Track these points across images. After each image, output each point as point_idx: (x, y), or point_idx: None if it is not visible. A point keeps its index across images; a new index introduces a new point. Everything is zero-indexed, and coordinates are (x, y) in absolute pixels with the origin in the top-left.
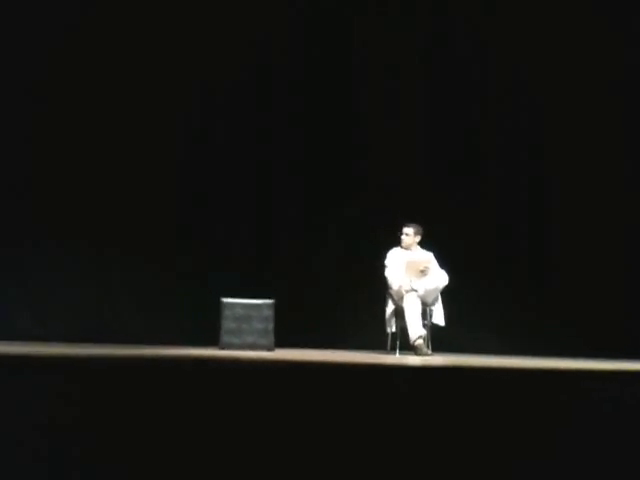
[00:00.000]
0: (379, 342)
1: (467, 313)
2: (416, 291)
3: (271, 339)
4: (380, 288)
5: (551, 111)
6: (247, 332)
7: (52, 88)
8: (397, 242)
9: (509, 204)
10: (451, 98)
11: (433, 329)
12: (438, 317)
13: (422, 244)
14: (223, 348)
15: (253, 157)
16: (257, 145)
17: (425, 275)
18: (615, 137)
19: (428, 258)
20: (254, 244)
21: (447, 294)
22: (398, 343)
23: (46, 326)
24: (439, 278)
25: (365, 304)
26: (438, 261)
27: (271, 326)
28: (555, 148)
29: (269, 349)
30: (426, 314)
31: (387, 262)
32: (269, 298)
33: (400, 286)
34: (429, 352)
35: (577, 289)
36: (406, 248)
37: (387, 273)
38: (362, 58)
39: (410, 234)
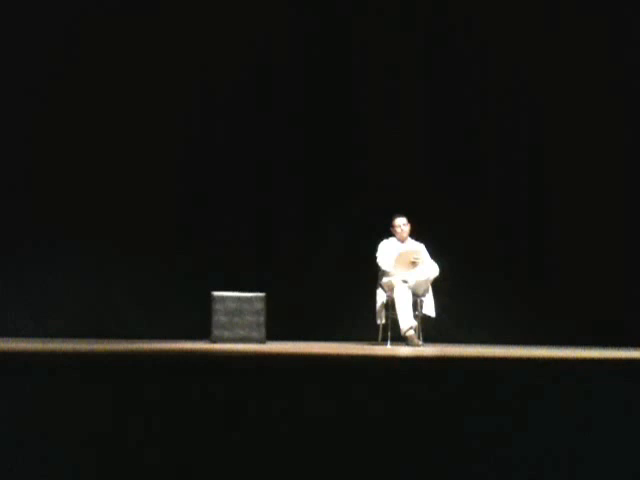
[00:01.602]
0: (370, 334)
1: (467, 312)
2: (407, 282)
3: (263, 332)
4: (372, 280)
5: (551, 111)
6: (239, 325)
7: (52, 88)
8: (390, 234)
9: (509, 204)
10: (451, 98)
11: (424, 320)
12: (429, 308)
13: (419, 239)
14: (214, 342)
15: (253, 157)
16: (257, 145)
17: (416, 266)
18: (615, 137)
19: (419, 249)
20: (254, 244)
21: (442, 286)
22: (389, 334)
23: (45, 323)
24: (430, 269)
25: (360, 297)
26: (438, 260)
27: (262, 319)
28: (555, 148)
29: (261, 342)
30: (417, 305)
31: (379, 253)
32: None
33: (391, 277)
34: (420, 343)
35: (576, 289)
36: (404, 240)
37: (379, 263)
38: (362, 58)
39: (407, 224)
